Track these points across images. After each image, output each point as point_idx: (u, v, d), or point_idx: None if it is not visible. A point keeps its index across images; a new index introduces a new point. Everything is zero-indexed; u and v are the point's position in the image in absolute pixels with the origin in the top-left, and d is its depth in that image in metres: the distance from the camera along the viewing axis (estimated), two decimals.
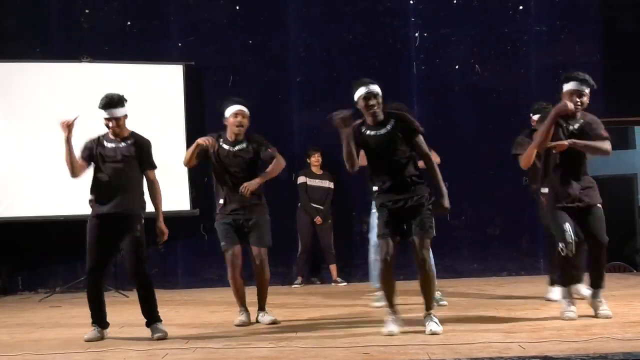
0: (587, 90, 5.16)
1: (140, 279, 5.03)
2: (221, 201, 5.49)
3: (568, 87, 5.18)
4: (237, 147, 5.49)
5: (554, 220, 5.06)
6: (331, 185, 8.53)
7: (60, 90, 8.26)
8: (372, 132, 4.87)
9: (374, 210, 5.56)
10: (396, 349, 4.19)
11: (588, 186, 5.14)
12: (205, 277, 8.41)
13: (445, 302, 6.02)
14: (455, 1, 9.00)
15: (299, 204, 8.49)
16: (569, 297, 5.12)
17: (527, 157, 5.68)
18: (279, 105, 8.92)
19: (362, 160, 4.99)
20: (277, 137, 8.70)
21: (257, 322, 5.46)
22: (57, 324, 5.88)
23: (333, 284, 8.44)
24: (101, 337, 4.96)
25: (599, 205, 5.12)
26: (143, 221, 5.13)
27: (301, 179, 8.45)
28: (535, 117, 6.13)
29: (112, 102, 5.07)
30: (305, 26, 8.98)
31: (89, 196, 5.14)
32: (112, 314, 6.37)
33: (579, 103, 5.11)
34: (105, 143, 5.16)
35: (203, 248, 8.47)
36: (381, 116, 4.87)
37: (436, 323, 4.67)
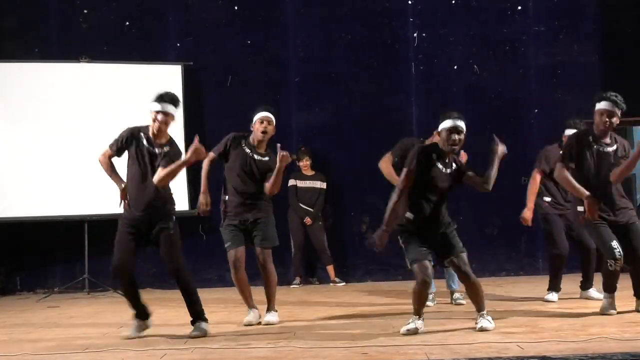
0: (618, 112, 5.24)
1: (179, 277, 5.02)
2: (227, 198, 5.50)
3: (600, 106, 5.26)
4: (257, 155, 5.51)
5: (599, 236, 5.27)
6: (323, 185, 8.55)
7: (59, 91, 8.27)
8: (442, 168, 4.88)
9: None
10: (395, 349, 4.19)
11: (623, 207, 5.35)
12: (204, 277, 8.41)
13: (463, 302, 6.06)
14: (453, 1, 9.01)
15: (290, 206, 8.52)
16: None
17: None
18: (277, 106, 8.85)
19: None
20: (276, 137, 8.71)
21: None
22: (56, 324, 5.87)
23: (331, 284, 8.44)
24: (144, 328, 5.00)
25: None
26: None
27: (291, 182, 8.48)
28: (567, 132, 6.11)
29: (172, 99, 5.11)
30: (304, 26, 8.98)
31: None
32: (111, 314, 6.38)
33: (608, 123, 5.21)
34: (146, 143, 5.11)
35: (202, 248, 8.48)
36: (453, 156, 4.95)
37: (488, 320, 4.78)
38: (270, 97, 8.91)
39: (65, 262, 8.55)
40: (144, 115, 8.12)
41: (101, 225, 8.27)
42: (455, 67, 9.00)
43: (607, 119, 5.19)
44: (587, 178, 5.25)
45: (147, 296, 7.62)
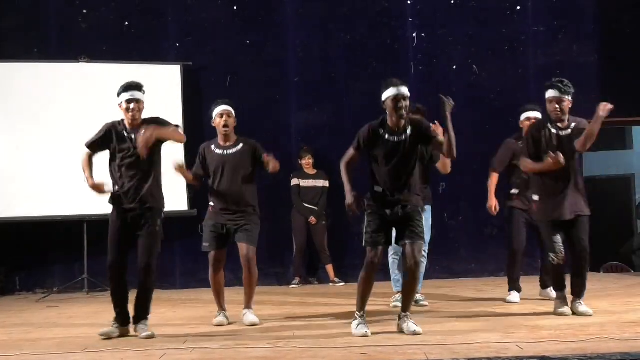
0: (566, 96, 5.40)
1: (146, 273, 4.99)
2: (212, 203, 5.53)
3: (548, 95, 5.46)
4: (230, 151, 5.52)
5: (545, 229, 5.43)
6: (326, 183, 8.55)
7: (58, 91, 8.26)
8: (393, 138, 4.83)
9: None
10: (394, 349, 4.19)
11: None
12: (203, 277, 8.31)
13: (426, 304, 6.12)
14: (452, 1, 9.01)
15: (294, 205, 8.52)
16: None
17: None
18: (276, 106, 8.93)
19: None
20: (275, 137, 8.72)
21: (242, 320, 5.43)
22: (55, 324, 5.87)
23: (331, 284, 8.44)
24: (118, 334, 4.94)
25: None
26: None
27: (294, 182, 8.48)
28: (523, 116, 6.48)
29: (137, 85, 5.15)
30: (303, 26, 8.98)
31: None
32: (110, 314, 6.37)
33: (559, 109, 5.37)
34: (126, 134, 5.09)
35: (201, 248, 8.47)
36: (403, 122, 4.84)
37: (413, 323, 4.71)
38: (270, 97, 8.92)
39: (64, 262, 8.55)
40: (143, 115, 8.19)
41: (100, 225, 8.23)
42: (455, 67, 9.00)
43: (556, 105, 5.37)
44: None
45: None
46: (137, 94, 5.11)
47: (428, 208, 5.99)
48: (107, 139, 5.12)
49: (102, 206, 8.08)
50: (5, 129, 8.19)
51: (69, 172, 8.12)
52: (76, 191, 8.13)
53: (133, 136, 5.03)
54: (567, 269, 5.53)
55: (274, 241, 8.60)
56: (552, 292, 5.98)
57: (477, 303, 6.30)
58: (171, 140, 4.99)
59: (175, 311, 6.40)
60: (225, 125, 5.52)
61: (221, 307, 5.57)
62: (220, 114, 5.58)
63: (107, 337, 4.90)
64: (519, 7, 9.01)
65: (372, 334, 4.71)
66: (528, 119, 6.31)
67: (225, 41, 8.91)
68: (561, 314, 5.30)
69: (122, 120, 5.16)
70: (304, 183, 8.54)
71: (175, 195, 8.13)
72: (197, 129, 7.81)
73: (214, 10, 8.94)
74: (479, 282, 8.03)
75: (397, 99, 4.80)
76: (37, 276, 8.62)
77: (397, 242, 4.94)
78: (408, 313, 4.79)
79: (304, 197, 8.50)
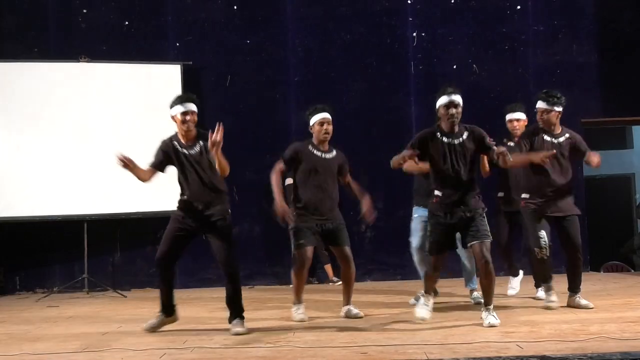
0: (553, 107, 5.67)
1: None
2: (300, 204, 5.63)
3: (537, 106, 5.76)
4: (328, 155, 5.80)
5: (531, 225, 5.74)
6: None
7: (58, 90, 8.25)
8: (447, 140, 5.17)
9: (415, 215, 6.17)
10: (394, 348, 4.19)
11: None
12: (203, 277, 8.41)
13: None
14: (452, 1, 9.01)
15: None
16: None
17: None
18: (276, 105, 8.92)
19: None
20: (275, 137, 8.72)
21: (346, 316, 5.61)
22: (55, 324, 5.87)
23: (330, 283, 8.44)
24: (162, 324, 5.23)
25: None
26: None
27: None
28: (508, 117, 6.70)
29: (189, 97, 5.27)
30: (303, 26, 8.97)
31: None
32: (111, 313, 6.37)
33: (546, 118, 5.68)
34: (180, 148, 5.24)
35: (200, 248, 8.44)
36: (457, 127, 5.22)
37: (494, 316, 4.97)
38: (270, 96, 8.92)
39: (64, 261, 8.54)
40: (142, 115, 8.20)
41: (100, 225, 8.29)
42: (455, 66, 9.00)
43: (544, 117, 5.69)
44: (546, 169, 5.63)
45: (148, 295, 7.67)
46: (190, 106, 5.22)
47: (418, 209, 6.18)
48: (168, 155, 5.27)
49: (102, 206, 8.16)
50: (5, 129, 8.18)
51: (69, 172, 8.15)
52: (76, 191, 8.15)
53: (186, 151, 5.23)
54: (554, 263, 5.80)
55: (274, 241, 8.60)
56: (539, 292, 6.23)
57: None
58: (218, 163, 5.03)
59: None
60: (326, 133, 5.87)
61: (300, 301, 5.64)
62: (321, 122, 5.90)
63: (152, 329, 5.16)
64: (519, 7, 9.00)
65: (372, 333, 4.71)
66: (510, 120, 6.58)
67: (225, 41, 8.91)
68: (549, 304, 5.61)
69: (175, 134, 5.30)
70: None
71: (174, 195, 8.14)
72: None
73: (214, 9, 8.94)
74: (479, 282, 8.01)
75: (448, 106, 5.22)
76: (37, 276, 8.62)
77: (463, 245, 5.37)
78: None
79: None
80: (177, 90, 8.47)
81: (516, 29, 9.01)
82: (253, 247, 8.65)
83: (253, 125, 8.80)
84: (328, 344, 4.36)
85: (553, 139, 5.68)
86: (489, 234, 5.19)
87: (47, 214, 8.13)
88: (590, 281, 7.77)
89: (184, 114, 5.16)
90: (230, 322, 5.08)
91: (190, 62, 8.68)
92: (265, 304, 6.67)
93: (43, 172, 8.11)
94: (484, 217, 5.16)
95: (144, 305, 6.72)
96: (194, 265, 8.36)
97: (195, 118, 5.24)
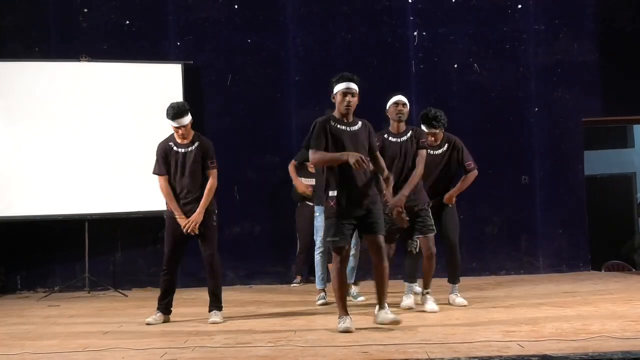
0: (434, 130, 6.08)
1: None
2: (332, 193, 5.04)
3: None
4: (183, 148, 5.62)
5: None
6: None
7: (59, 90, 8.26)
8: (393, 139, 5.40)
9: (317, 214, 6.45)
10: (395, 347, 4.19)
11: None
12: (203, 276, 8.34)
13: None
14: (453, 0, 9.01)
15: (298, 204, 8.49)
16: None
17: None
18: (277, 105, 8.92)
19: None
20: (275, 137, 8.73)
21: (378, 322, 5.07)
22: (56, 323, 5.87)
23: (329, 283, 8.42)
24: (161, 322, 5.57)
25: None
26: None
27: (310, 182, 8.45)
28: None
29: (179, 111, 5.45)
30: (304, 25, 8.98)
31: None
32: (111, 312, 6.37)
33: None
34: (175, 147, 5.56)
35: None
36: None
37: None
38: (270, 96, 8.92)
39: (65, 261, 8.55)
40: (143, 115, 8.20)
41: (101, 224, 8.29)
42: (455, 65, 9.00)
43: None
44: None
45: (148, 295, 7.67)
46: (182, 121, 5.47)
47: None
48: (167, 156, 5.59)
49: (102, 205, 8.16)
50: (6, 129, 8.19)
51: (70, 171, 8.15)
52: (77, 190, 8.15)
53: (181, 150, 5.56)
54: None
55: (276, 240, 8.60)
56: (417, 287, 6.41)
57: (478, 301, 6.30)
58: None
59: (176, 310, 6.39)
60: (348, 105, 5.33)
61: (347, 312, 5.03)
62: (344, 92, 5.40)
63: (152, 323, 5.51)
64: (520, 6, 9.00)
65: (372, 332, 4.71)
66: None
67: (225, 40, 8.91)
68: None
69: (172, 135, 5.60)
70: (305, 182, 8.51)
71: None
72: (197, 129, 7.78)
73: (214, 9, 8.94)
74: (479, 281, 8.02)
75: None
76: (38, 275, 8.63)
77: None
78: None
79: (307, 196, 8.46)
80: (178, 90, 8.50)
81: (517, 28, 9.02)
82: (253, 246, 8.65)
83: (253, 124, 8.80)
84: (329, 343, 4.36)
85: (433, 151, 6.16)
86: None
87: (48, 214, 8.13)
88: (591, 280, 7.78)
89: (177, 128, 5.47)
90: (209, 311, 5.64)
91: (191, 62, 8.69)
92: (266, 303, 6.67)
93: (44, 172, 8.12)
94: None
95: (145, 305, 6.71)
96: (194, 265, 8.35)
97: (189, 127, 5.52)
